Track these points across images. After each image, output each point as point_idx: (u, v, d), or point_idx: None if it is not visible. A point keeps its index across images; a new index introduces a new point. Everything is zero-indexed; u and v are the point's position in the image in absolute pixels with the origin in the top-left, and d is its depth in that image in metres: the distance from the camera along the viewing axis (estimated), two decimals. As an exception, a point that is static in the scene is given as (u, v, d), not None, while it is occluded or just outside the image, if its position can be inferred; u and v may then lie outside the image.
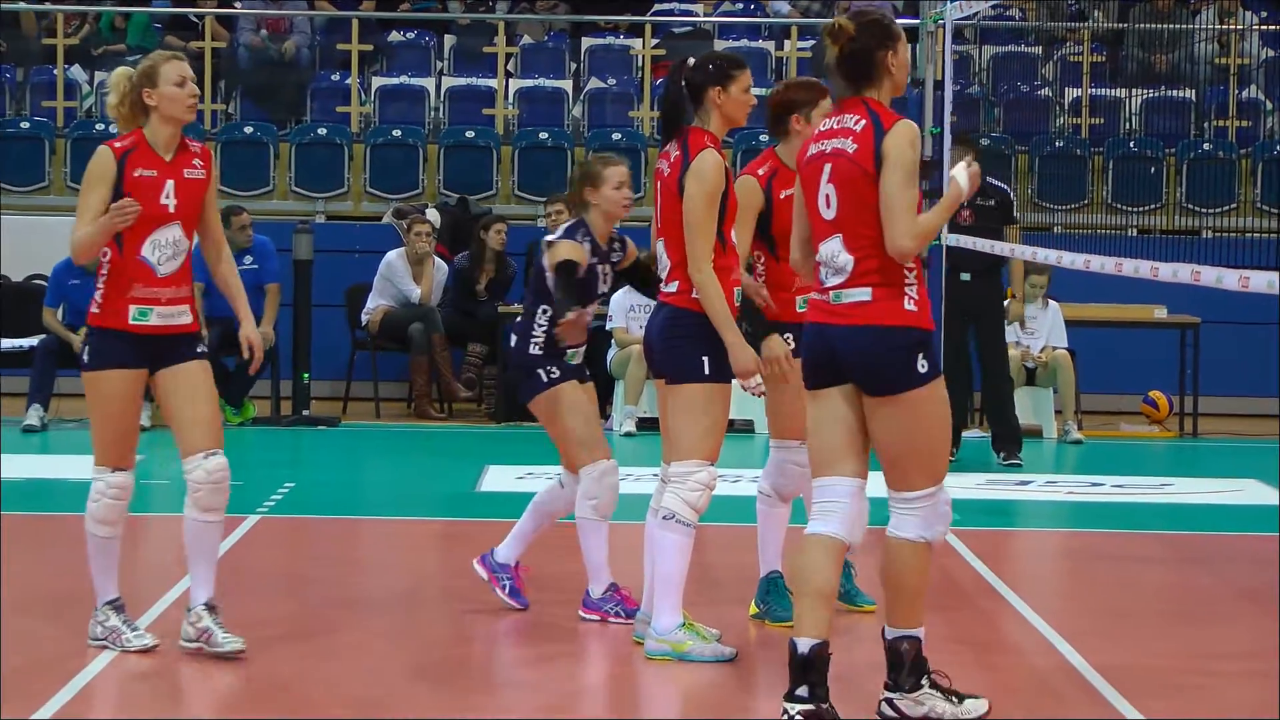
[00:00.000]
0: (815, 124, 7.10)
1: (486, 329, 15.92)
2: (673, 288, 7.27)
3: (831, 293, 6.32)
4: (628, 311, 15.18)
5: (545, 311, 7.91)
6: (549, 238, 7.96)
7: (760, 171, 7.77)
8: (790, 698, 6.17)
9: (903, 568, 6.33)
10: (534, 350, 7.93)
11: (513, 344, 8.00)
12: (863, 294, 6.26)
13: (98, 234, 7.00)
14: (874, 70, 6.34)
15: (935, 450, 6.34)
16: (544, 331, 7.90)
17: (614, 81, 19.06)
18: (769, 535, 8.01)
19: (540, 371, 7.90)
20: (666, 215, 7.26)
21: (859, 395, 6.32)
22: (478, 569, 8.16)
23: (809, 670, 6.15)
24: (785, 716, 6.15)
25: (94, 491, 7.21)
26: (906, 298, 6.27)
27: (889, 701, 6.36)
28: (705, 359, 7.17)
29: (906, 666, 6.32)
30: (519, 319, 8.03)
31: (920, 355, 6.25)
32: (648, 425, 14.36)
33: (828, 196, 6.32)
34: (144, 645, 7.22)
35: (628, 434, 14.74)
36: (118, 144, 7.10)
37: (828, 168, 6.32)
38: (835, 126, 6.36)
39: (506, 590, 8.12)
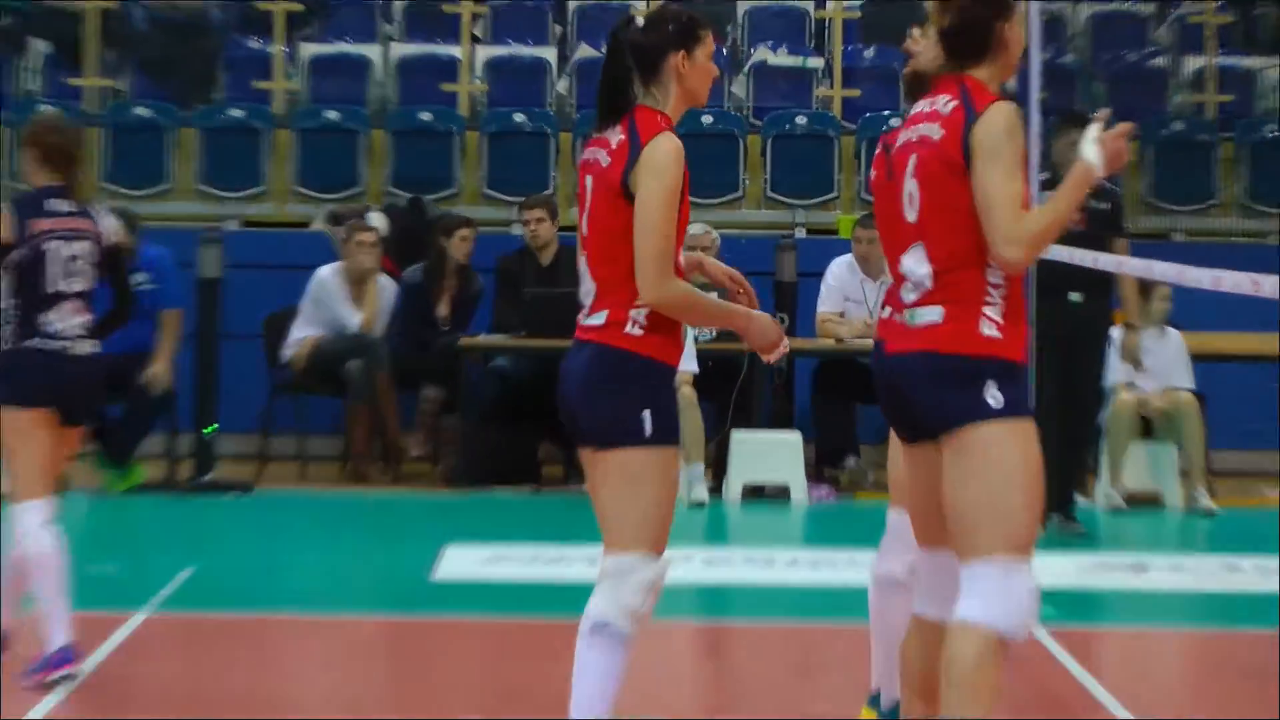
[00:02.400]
0: None
1: (444, 367, 15.82)
2: (599, 319, 6.77)
3: (906, 311, 6.44)
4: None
5: None
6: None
7: None
8: None
9: (958, 661, 6.20)
10: None
11: None
12: (933, 314, 6.38)
13: None
14: (988, 44, 6.51)
15: (1011, 508, 6.26)
16: None
17: (609, 49, 19.04)
18: None
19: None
20: (599, 221, 6.82)
21: None
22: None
23: None
24: None
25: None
26: (984, 319, 6.31)
27: None
28: (646, 413, 6.73)
29: None
30: None
31: (993, 384, 6.27)
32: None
33: (911, 195, 6.48)
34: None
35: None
36: None
37: (913, 160, 6.48)
38: (926, 110, 6.52)
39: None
